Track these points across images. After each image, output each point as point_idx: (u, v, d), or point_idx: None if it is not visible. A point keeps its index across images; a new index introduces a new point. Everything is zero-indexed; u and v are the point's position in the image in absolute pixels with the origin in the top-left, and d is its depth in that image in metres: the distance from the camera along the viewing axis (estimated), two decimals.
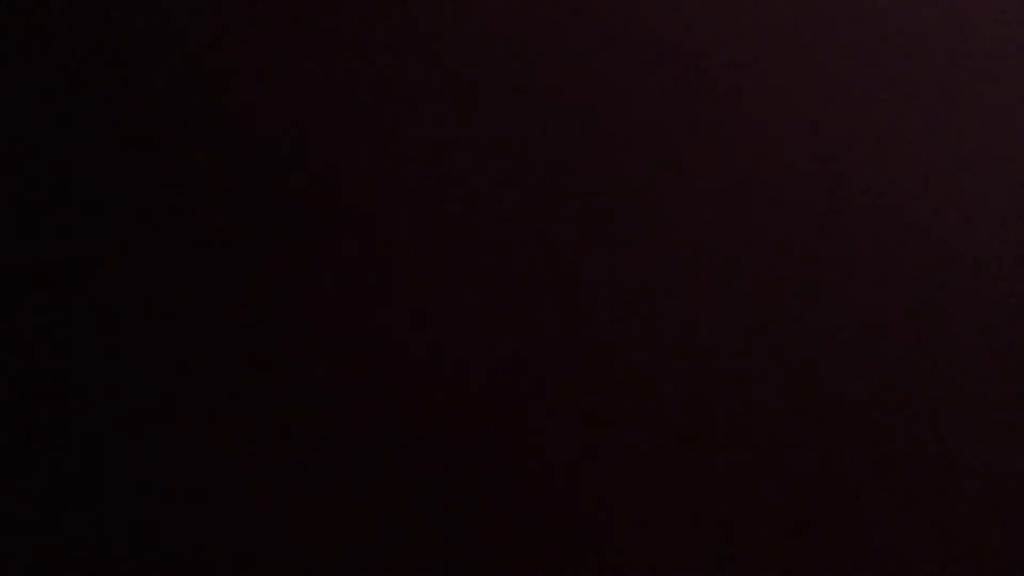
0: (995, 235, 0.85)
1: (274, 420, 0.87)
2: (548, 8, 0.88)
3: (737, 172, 0.86)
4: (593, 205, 0.87)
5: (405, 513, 0.87)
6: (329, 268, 0.88)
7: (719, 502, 0.85)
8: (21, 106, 0.89)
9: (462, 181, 0.87)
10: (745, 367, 0.86)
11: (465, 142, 0.88)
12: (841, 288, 0.86)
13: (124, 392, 0.88)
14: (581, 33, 0.87)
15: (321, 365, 0.87)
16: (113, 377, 0.88)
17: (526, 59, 0.88)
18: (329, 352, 0.87)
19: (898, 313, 0.85)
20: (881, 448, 0.85)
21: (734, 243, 0.86)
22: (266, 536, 0.87)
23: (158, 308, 0.88)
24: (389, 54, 0.88)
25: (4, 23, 0.89)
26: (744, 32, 0.87)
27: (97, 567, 0.88)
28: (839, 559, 0.85)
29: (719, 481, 0.85)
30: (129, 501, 0.88)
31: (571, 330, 0.86)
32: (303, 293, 0.88)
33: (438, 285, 0.87)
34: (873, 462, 0.85)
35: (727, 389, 0.86)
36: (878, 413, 0.85)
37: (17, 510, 0.88)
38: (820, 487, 0.85)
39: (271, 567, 0.87)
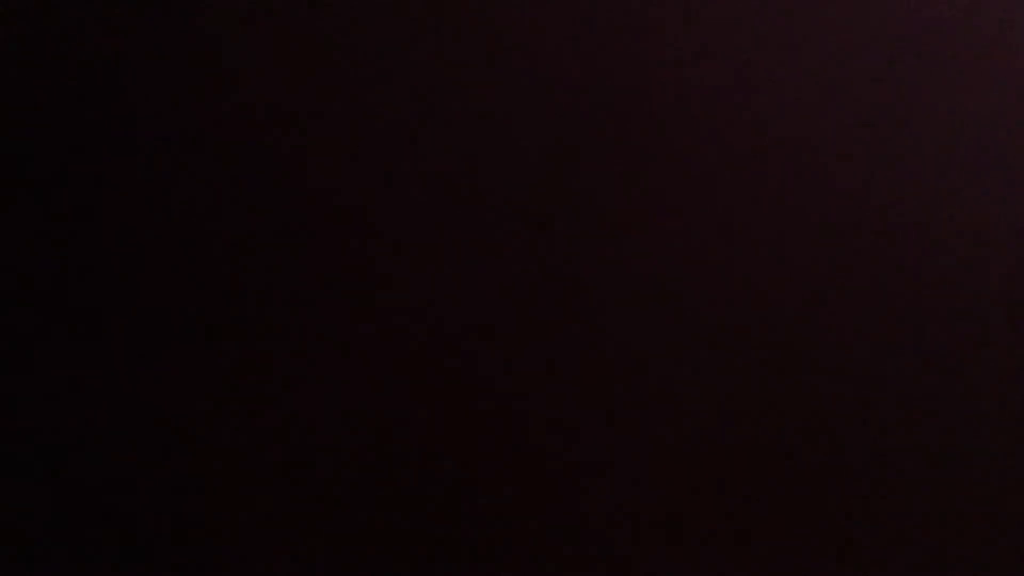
0: (996, 235, 0.85)
1: (272, 419, 0.87)
2: (549, 7, 0.88)
3: (737, 171, 0.86)
4: (593, 204, 0.87)
5: (403, 513, 0.87)
6: (329, 270, 0.88)
7: (719, 503, 0.85)
8: (20, 104, 0.89)
9: (461, 180, 0.88)
10: (746, 367, 0.86)
11: (465, 140, 0.88)
12: (842, 288, 0.86)
13: (122, 391, 0.88)
14: (581, 31, 0.88)
15: (320, 366, 0.87)
16: (111, 376, 0.88)
17: (526, 58, 0.88)
18: (328, 354, 0.87)
19: (899, 313, 0.85)
20: (884, 449, 0.85)
21: (735, 242, 0.86)
22: (263, 536, 0.87)
23: (157, 306, 0.88)
24: (389, 52, 0.88)
25: (4, 23, 0.89)
26: (744, 31, 0.87)
27: (97, 567, 0.88)
28: (840, 560, 0.85)
29: (719, 482, 0.86)
30: (125, 501, 0.88)
31: (571, 329, 0.86)
32: (302, 292, 0.88)
33: (437, 284, 0.87)
34: (876, 464, 0.85)
35: (727, 389, 0.86)
36: (880, 414, 0.85)
37: (16, 510, 0.88)
38: (822, 487, 0.85)
39: (269, 567, 0.87)
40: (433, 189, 0.87)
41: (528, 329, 0.87)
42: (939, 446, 0.85)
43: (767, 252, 0.86)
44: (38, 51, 0.89)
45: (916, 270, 0.85)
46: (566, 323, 0.87)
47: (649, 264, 0.86)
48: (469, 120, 0.88)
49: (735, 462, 0.85)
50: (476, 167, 0.87)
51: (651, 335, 0.86)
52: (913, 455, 0.85)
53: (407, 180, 0.88)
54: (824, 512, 0.85)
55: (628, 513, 0.86)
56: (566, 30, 0.88)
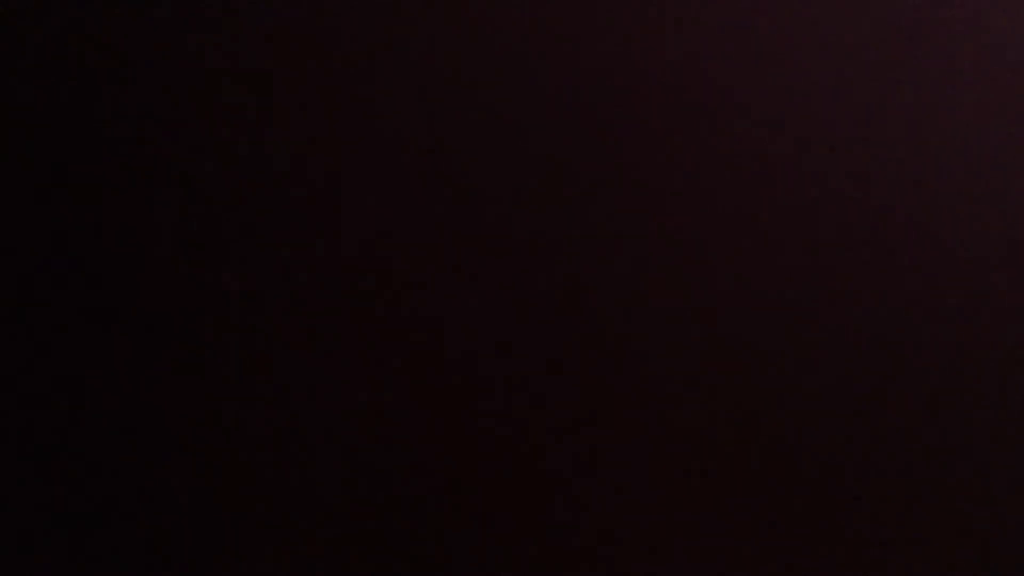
0: (995, 235, 0.85)
1: (272, 419, 0.87)
2: (549, 8, 0.88)
3: (737, 171, 0.86)
4: (593, 204, 0.87)
5: (403, 514, 0.87)
6: (329, 270, 0.88)
7: (719, 503, 0.86)
8: (20, 104, 0.89)
9: (460, 179, 0.88)
10: (746, 367, 0.86)
11: (466, 141, 0.88)
12: (841, 288, 0.86)
13: (120, 391, 0.88)
14: (581, 30, 0.88)
15: (319, 368, 0.87)
16: (109, 376, 0.88)
17: (527, 58, 0.88)
18: (328, 354, 0.87)
19: (898, 312, 0.85)
20: (883, 449, 0.85)
21: (734, 243, 0.86)
22: (263, 536, 0.87)
23: (156, 306, 0.88)
24: (387, 53, 0.88)
25: (4, 23, 0.89)
26: (744, 30, 0.87)
27: (97, 567, 0.88)
28: (840, 560, 0.85)
29: (719, 483, 0.86)
30: (125, 501, 0.88)
31: (570, 329, 0.87)
32: (302, 292, 0.88)
33: (435, 284, 0.87)
34: (875, 464, 0.85)
35: (727, 389, 0.86)
36: (879, 414, 0.85)
37: (16, 510, 0.88)
38: (821, 490, 0.85)
39: (269, 567, 0.87)
40: (431, 189, 0.88)
41: (527, 328, 0.87)
42: (939, 446, 0.85)
43: (767, 252, 0.86)
44: (38, 51, 0.89)
45: (916, 270, 0.85)
46: (565, 323, 0.87)
47: (649, 264, 0.86)
48: (467, 120, 0.88)
49: (735, 462, 0.85)
50: (474, 167, 0.87)
51: (651, 335, 0.86)
52: (913, 455, 0.85)
53: (405, 180, 0.88)
54: (824, 512, 0.85)
55: (628, 513, 0.86)
56: (564, 30, 0.88)
